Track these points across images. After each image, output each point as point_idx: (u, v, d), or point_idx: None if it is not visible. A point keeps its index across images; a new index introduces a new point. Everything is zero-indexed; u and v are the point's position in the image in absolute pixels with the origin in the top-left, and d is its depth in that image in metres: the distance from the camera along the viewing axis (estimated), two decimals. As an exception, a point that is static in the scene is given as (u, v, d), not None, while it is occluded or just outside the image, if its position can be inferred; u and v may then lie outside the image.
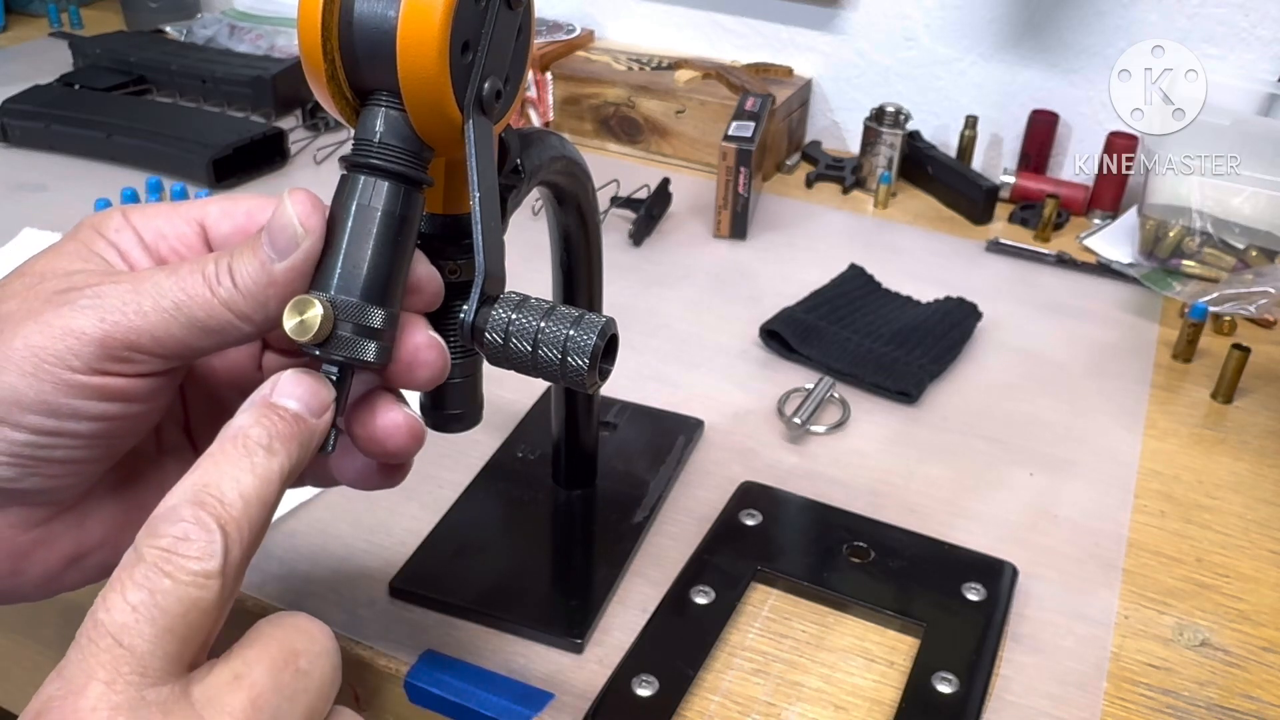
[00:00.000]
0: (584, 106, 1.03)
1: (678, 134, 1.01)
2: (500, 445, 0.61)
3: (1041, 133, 0.98)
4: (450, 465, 0.59)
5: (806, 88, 1.06)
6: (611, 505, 0.57)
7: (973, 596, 0.52)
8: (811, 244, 0.88)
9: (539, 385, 0.64)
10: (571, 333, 0.35)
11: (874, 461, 0.62)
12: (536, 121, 1.04)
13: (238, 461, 0.29)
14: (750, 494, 0.58)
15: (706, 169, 0.99)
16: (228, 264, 0.32)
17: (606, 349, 0.36)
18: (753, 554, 0.54)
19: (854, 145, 1.05)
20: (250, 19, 1.24)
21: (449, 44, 0.32)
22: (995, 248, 0.89)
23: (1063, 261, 0.87)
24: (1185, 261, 0.82)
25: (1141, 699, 0.48)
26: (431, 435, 0.42)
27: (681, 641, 0.49)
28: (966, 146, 0.99)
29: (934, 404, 0.68)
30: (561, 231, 0.48)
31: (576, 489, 0.58)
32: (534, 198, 0.81)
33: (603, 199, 0.79)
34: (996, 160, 1.03)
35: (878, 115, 0.97)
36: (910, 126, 0.98)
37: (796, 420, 0.64)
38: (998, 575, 0.53)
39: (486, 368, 0.39)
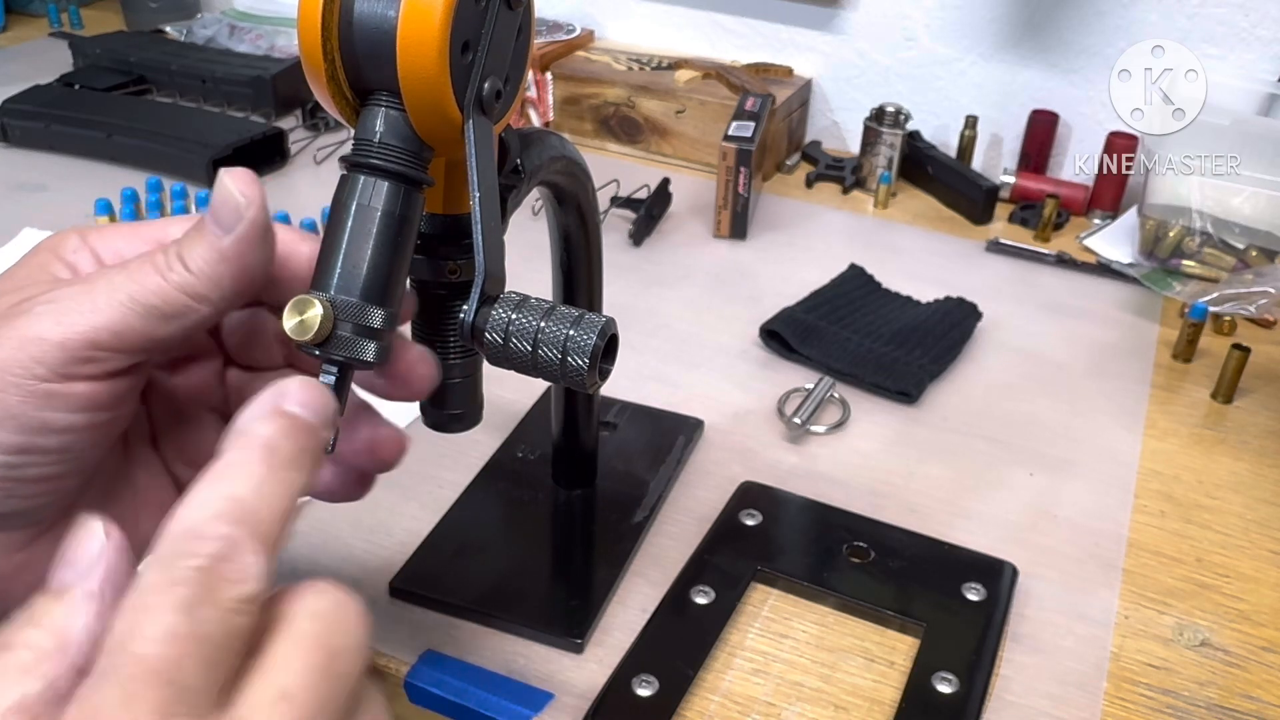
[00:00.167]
0: (584, 106, 1.03)
1: (678, 134, 1.01)
2: (500, 445, 0.61)
3: (1041, 133, 0.98)
4: (450, 465, 0.59)
5: (806, 88, 1.06)
6: (611, 505, 0.57)
7: (973, 596, 0.52)
8: (811, 244, 0.88)
9: (539, 385, 0.64)
10: (571, 333, 0.35)
11: (874, 461, 0.62)
12: (536, 121, 1.04)
13: (270, 476, 0.27)
14: (750, 494, 0.58)
15: (706, 169, 0.99)
16: (176, 250, 0.32)
17: (606, 349, 0.36)
18: (753, 554, 0.54)
19: (854, 145, 1.05)
20: (250, 19, 1.24)
21: (449, 44, 0.32)
22: (995, 248, 0.89)
23: (1063, 261, 0.87)
24: (1185, 261, 0.82)
25: (1141, 699, 0.48)
26: (431, 435, 0.42)
27: (681, 641, 0.49)
28: (966, 146, 0.99)
29: (934, 404, 0.68)
30: (561, 231, 0.48)
31: (576, 489, 0.58)
32: (534, 198, 0.81)
33: (603, 199, 0.79)
34: (996, 160, 1.03)
35: (878, 115, 0.97)
36: (910, 126, 0.98)
37: (796, 420, 0.64)
38: (998, 575, 0.53)
39: (486, 368, 0.39)
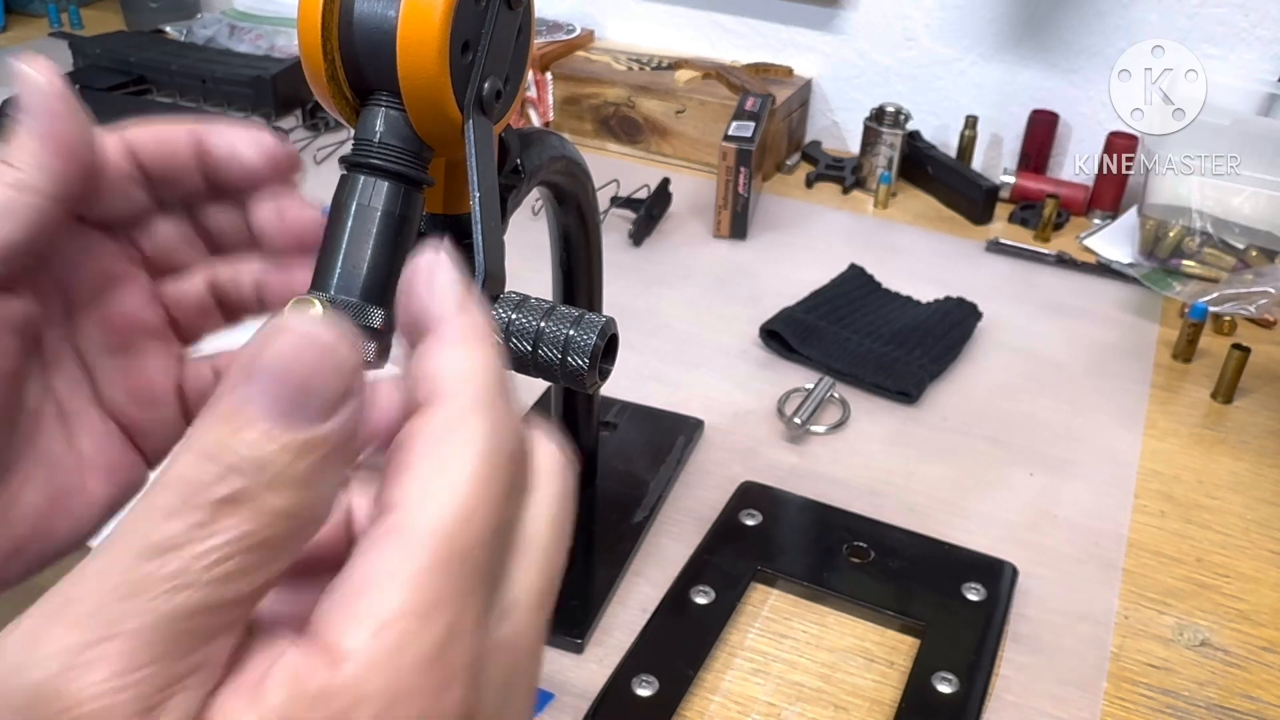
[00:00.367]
0: (584, 106, 1.03)
1: (678, 134, 1.01)
2: (500, 445, 0.61)
3: (1041, 133, 0.98)
4: (450, 465, 0.59)
5: (806, 88, 1.06)
6: (611, 505, 0.57)
7: (973, 596, 0.52)
8: (811, 244, 0.88)
9: (539, 385, 0.64)
10: (571, 332, 0.35)
11: (874, 461, 0.62)
12: (536, 121, 1.04)
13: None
14: (750, 494, 0.58)
15: (706, 169, 0.99)
16: None
17: (606, 349, 0.36)
18: (753, 554, 0.54)
19: (854, 145, 1.05)
20: (250, 19, 1.24)
21: (449, 44, 0.32)
22: (995, 248, 0.89)
23: (1063, 261, 0.87)
24: (1185, 261, 0.82)
25: (1141, 699, 0.48)
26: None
27: (681, 641, 0.49)
28: (966, 146, 0.99)
29: (934, 404, 0.68)
30: (561, 231, 0.48)
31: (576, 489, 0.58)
32: (534, 198, 0.81)
33: (603, 199, 0.79)
34: (996, 160, 1.03)
35: (878, 115, 0.97)
36: (910, 126, 0.98)
37: (796, 420, 0.64)
38: (998, 575, 0.53)
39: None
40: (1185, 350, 0.74)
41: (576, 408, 0.55)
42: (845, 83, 1.07)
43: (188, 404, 0.33)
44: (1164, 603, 0.53)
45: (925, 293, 0.79)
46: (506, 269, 0.36)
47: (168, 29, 1.23)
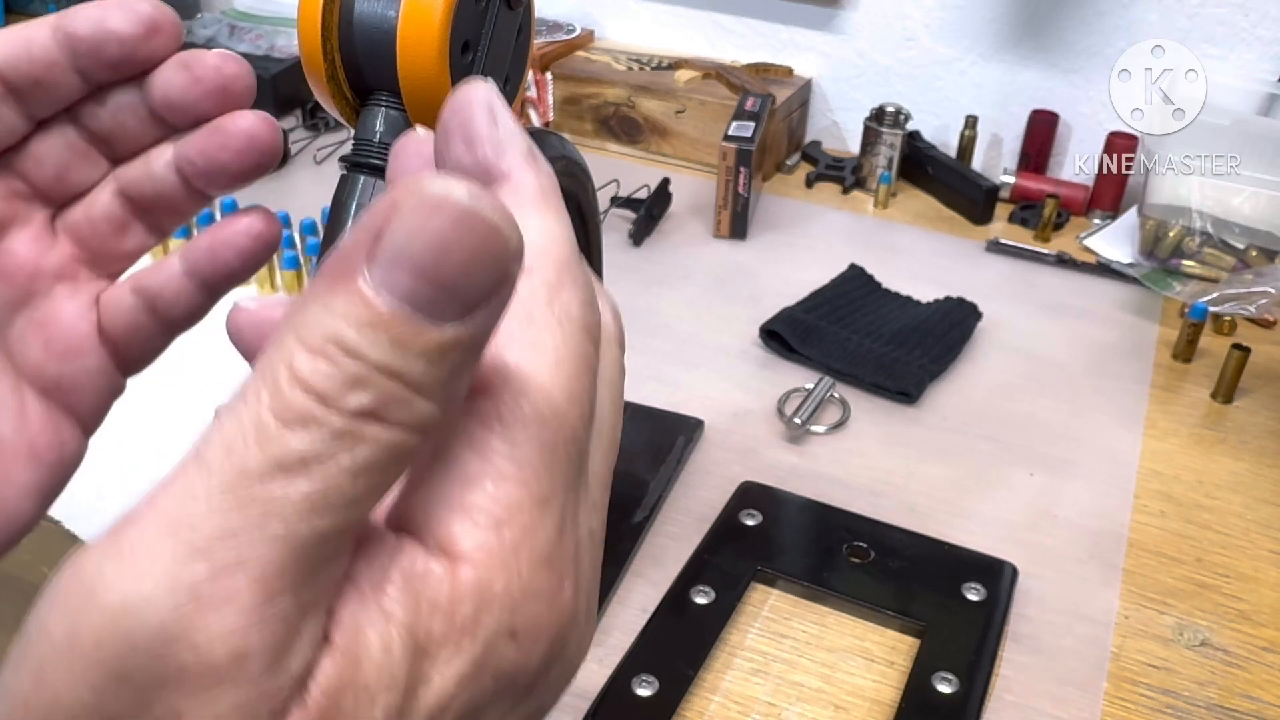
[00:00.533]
0: (584, 106, 1.03)
1: (678, 134, 1.01)
2: (500, 445, 0.61)
3: (1041, 133, 0.98)
4: (450, 465, 0.59)
5: (806, 88, 1.06)
6: (611, 505, 0.56)
7: (973, 596, 0.52)
8: (811, 244, 0.88)
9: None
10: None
11: (874, 461, 0.62)
12: (536, 121, 1.04)
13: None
14: (750, 494, 0.58)
15: (706, 169, 0.99)
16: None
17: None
18: (753, 554, 0.54)
19: (854, 145, 1.05)
20: (250, 19, 1.24)
21: (449, 44, 0.32)
22: (995, 248, 0.89)
23: (1063, 261, 0.87)
24: (1185, 261, 0.82)
25: (1141, 699, 0.48)
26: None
27: (681, 641, 0.49)
28: (966, 146, 0.99)
29: (934, 404, 0.68)
30: (561, 231, 0.48)
31: (576, 489, 0.58)
32: (534, 198, 0.81)
33: (603, 199, 0.79)
34: (996, 160, 1.03)
35: (878, 115, 0.97)
36: (910, 126, 0.98)
37: (796, 420, 0.64)
38: (998, 575, 0.53)
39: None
40: (1185, 350, 0.74)
41: (576, 408, 0.55)
42: (845, 83, 1.07)
43: (115, 344, 0.27)
44: (1164, 603, 0.53)
45: (925, 293, 0.79)
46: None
47: (168, 29, 1.23)
